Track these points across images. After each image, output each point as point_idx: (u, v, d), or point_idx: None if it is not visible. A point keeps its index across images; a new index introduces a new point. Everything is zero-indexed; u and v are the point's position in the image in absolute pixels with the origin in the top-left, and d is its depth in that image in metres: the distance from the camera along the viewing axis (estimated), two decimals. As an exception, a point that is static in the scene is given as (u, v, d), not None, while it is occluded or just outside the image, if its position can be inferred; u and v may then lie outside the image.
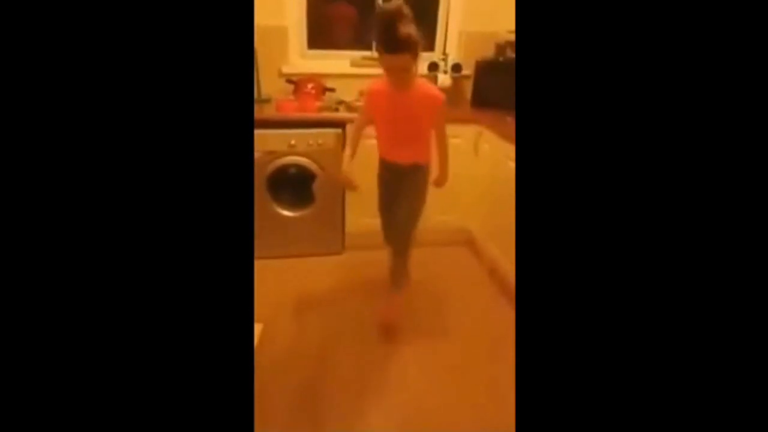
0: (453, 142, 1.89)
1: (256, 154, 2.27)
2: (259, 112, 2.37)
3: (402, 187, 1.85)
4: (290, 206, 2.47)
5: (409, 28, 1.49)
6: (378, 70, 1.61)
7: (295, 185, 2.41)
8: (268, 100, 2.59)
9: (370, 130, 1.83)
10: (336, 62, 2.77)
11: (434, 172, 1.87)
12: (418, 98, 1.66)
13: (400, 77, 1.60)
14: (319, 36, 2.80)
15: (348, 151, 1.80)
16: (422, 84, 1.67)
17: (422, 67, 2.73)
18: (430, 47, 2.92)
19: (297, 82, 2.54)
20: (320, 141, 2.32)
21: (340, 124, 2.33)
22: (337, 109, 2.47)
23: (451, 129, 1.53)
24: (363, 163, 1.85)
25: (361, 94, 2.48)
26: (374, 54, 2.34)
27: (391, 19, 1.48)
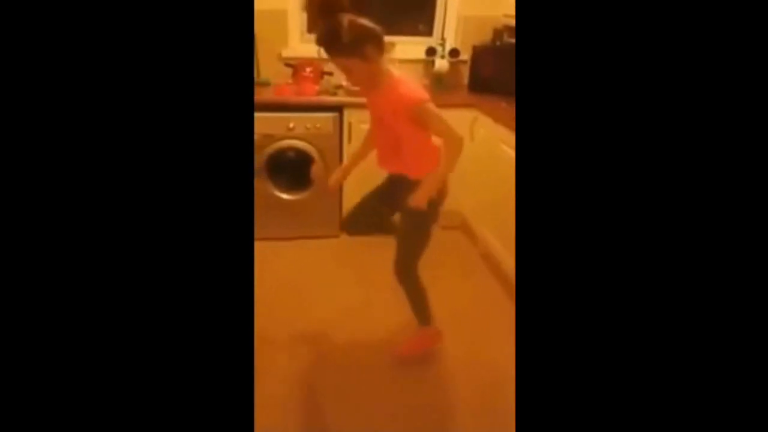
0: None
1: (254, 137, 2.30)
2: (258, 95, 2.39)
3: (396, 202, 1.58)
4: (288, 189, 2.50)
5: (345, 25, 1.23)
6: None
7: (292, 168, 2.44)
8: (266, 84, 2.60)
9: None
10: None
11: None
12: (387, 100, 1.40)
13: (352, 80, 1.40)
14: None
15: (349, 161, 1.67)
16: (396, 83, 1.37)
17: (419, 51, 2.75)
18: (429, 32, 2.93)
19: (295, 66, 2.55)
20: (318, 125, 2.35)
21: (338, 108, 2.36)
22: (335, 93, 2.49)
23: (446, 114, 1.49)
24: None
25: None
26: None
27: (324, 11, 1.24)
